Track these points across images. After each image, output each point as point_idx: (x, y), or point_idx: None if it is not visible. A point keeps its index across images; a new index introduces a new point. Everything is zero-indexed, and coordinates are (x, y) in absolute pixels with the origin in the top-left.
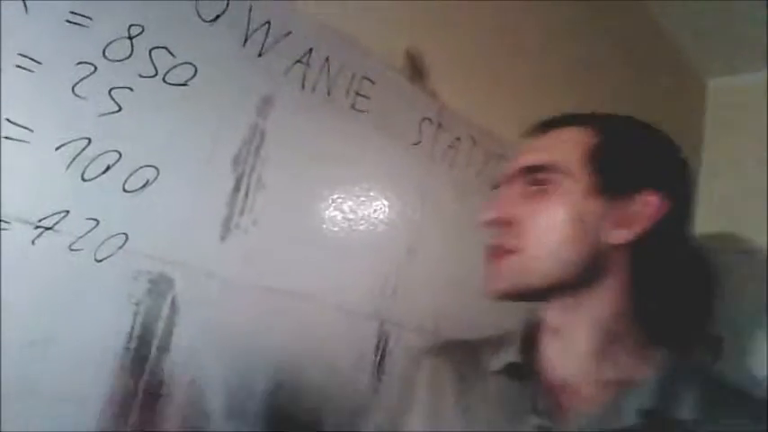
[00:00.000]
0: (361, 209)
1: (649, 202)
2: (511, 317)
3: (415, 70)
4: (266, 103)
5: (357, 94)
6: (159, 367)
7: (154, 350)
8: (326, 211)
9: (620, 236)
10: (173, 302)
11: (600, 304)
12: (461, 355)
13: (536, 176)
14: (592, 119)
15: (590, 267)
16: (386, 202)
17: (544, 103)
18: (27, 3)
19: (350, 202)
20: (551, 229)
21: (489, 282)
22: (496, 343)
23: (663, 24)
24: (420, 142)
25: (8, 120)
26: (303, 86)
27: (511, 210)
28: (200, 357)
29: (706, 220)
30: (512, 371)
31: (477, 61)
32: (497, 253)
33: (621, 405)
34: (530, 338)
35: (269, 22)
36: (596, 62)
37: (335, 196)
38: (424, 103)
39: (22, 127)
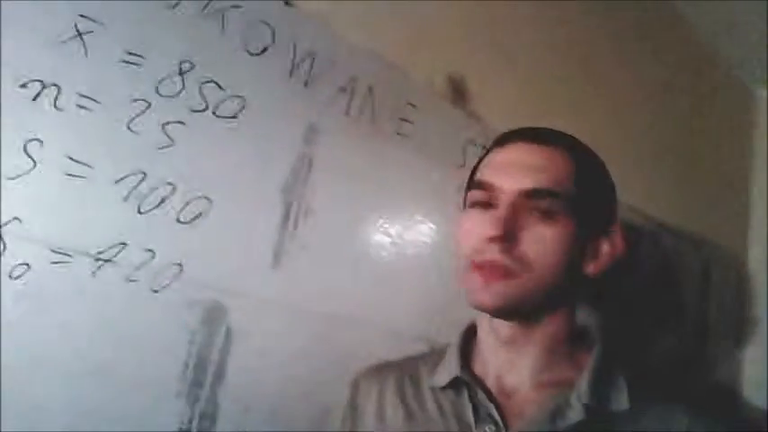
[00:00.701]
0: (407, 233)
1: (617, 238)
2: None
3: (458, 93)
4: (313, 132)
5: (401, 119)
6: (215, 395)
7: (209, 378)
8: (374, 236)
9: (593, 268)
10: (227, 330)
11: (557, 323)
12: (401, 374)
13: (540, 200)
14: (569, 142)
15: (567, 294)
16: (432, 226)
17: (590, 121)
18: (87, 46)
19: (396, 226)
20: (554, 257)
21: (481, 296)
22: (435, 358)
23: (708, 36)
24: (465, 165)
25: (70, 157)
26: (348, 113)
27: (516, 230)
28: (255, 385)
29: (760, 236)
30: (455, 384)
31: (520, 82)
32: (495, 271)
33: (567, 404)
34: (468, 349)
35: (313, 53)
36: (641, 80)
37: (382, 221)
38: (468, 125)
39: (83, 164)
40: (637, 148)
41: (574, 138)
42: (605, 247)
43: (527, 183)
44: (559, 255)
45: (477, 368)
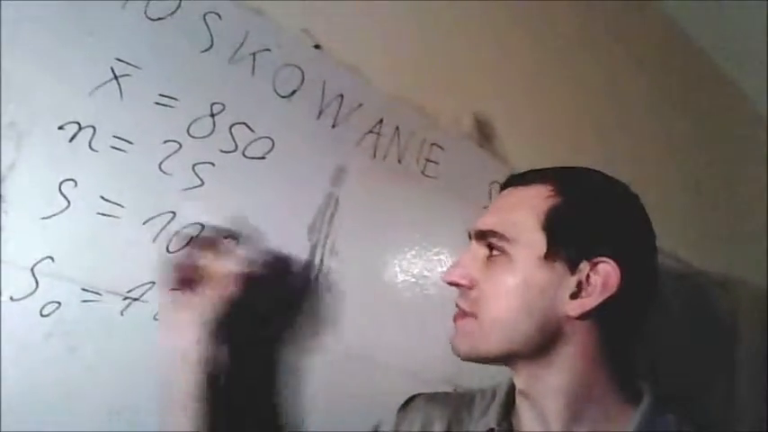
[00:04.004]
0: (432, 274)
1: (606, 272)
2: None
3: (484, 134)
4: (340, 173)
5: (427, 160)
6: None
7: None
8: (398, 276)
9: (575, 307)
10: None
11: (563, 372)
12: (452, 409)
13: (489, 241)
14: (554, 175)
15: (545, 337)
16: None
17: (614, 161)
18: (122, 88)
19: (421, 267)
20: (502, 298)
21: (452, 342)
22: (486, 400)
23: (733, 74)
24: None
25: (102, 197)
26: (375, 155)
27: (471, 272)
28: None
29: None
30: None
31: (545, 122)
32: (457, 315)
33: None
34: (511, 400)
35: (342, 95)
36: (667, 123)
37: (407, 261)
38: (494, 166)
39: (115, 203)
40: (666, 189)
41: (568, 170)
42: (592, 285)
43: (479, 224)
44: (509, 295)
45: (516, 421)
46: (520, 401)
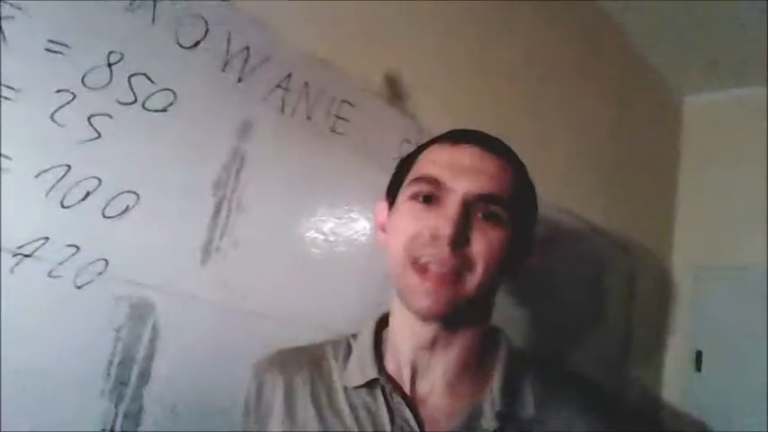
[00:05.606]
0: (342, 230)
1: (536, 247)
2: None
3: (394, 92)
4: (246, 128)
5: (337, 117)
6: (140, 394)
7: (134, 376)
8: (307, 233)
9: (510, 275)
10: (153, 327)
11: (476, 328)
12: (309, 368)
13: (489, 206)
14: (509, 152)
15: (491, 298)
16: (367, 224)
17: (521, 123)
18: (5, 32)
19: (331, 224)
20: (494, 261)
21: (425, 300)
22: (344, 349)
23: (637, 43)
24: None
25: None
26: (283, 111)
27: (466, 233)
28: (182, 384)
29: (685, 241)
30: (370, 384)
31: (455, 82)
32: (445, 276)
33: (480, 412)
34: (379, 345)
35: (248, 48)
36: (575, 87)
37: (316, 218)
38: (404, 124)
39: (2, 155)
40: (569, 152)
41: (510, 148)
42: (524, 256)
43: (480, 186)
44: (499, 258)
45: (390, 368)
46: (416, 351)
